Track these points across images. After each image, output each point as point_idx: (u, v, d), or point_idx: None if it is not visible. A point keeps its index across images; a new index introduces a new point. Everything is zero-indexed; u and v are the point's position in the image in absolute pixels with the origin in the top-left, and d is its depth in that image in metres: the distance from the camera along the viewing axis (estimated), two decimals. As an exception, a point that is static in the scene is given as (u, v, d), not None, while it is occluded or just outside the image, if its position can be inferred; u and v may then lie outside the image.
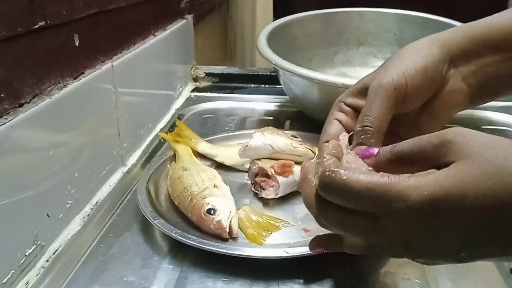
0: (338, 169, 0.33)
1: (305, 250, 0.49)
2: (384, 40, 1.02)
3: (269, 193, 0.61)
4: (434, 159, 0.32)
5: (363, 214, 0.33)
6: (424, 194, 0.29)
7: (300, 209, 0.59)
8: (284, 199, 0.61)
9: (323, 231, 0.40)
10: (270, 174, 0.61)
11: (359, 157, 0.38)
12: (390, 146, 0.36)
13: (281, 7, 1.65)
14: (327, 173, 0.34)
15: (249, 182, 0.65)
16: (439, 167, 0.31)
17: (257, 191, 0.62)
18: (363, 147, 0.39)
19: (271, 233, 0.54)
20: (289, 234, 0.55)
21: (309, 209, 0.38)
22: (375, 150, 0.37)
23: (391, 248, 0.35)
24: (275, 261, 0.50)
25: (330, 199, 0.34)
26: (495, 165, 0.28)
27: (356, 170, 0.34)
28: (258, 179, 0.62)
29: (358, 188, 0.32)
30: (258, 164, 0.62)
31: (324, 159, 0.36)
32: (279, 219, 0.57)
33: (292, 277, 0.49)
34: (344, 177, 0.32)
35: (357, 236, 0.36)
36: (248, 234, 0.54)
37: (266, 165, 0.62)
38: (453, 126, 0.35)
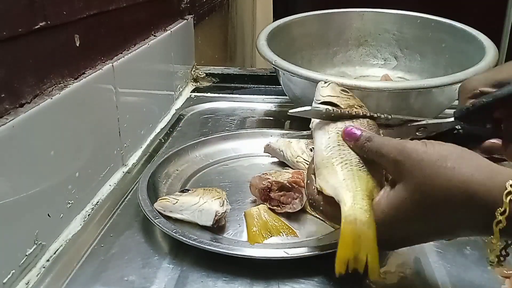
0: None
1: (305, 250, 0.49)
2: (383, 40, 1.02)
3: (295, 206, 0.57)
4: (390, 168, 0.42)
5: None
6: (382, 213, 0.41)
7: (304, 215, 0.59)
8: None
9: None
10: (291, 186, 0.57)
11: (344, 135, 0.45)
12: (367, 134, 0.44)
13: (281, 7, 1.65)
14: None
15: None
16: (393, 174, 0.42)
17: (275, 207, 0.58)
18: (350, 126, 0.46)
19: (271, 236, 0.54)
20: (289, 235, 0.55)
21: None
22: (358, 133, 0.45)
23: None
24: (275, 261, 0.50)
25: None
26: (425, 185, 0.38)
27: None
28: (274, 194, 0.58)
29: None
30: (269, 179, 0.58)
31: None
32: (290, 228, 0.55)
33: (292, 277, 0.49)
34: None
35: None
36: (250, 231, 0.54)
37: (280, 178, 0.58)
38: None
